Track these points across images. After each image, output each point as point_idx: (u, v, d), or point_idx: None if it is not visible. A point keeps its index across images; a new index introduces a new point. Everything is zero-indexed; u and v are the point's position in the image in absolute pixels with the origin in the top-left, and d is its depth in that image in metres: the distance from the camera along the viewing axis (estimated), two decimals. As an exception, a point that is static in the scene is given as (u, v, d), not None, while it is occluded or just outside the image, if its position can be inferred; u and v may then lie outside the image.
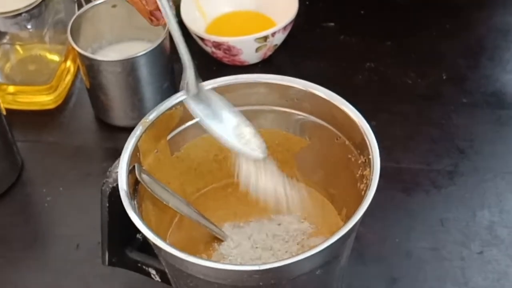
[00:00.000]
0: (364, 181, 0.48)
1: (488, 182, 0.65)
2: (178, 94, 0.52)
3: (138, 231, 0.47)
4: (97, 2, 0.71)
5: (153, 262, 0.54)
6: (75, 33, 0.69)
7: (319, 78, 0.75)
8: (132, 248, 0.55)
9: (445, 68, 0.76)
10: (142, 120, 0.50)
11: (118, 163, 0.50)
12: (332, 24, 0.81)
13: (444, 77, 0.75)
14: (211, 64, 0.77)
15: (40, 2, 0.70)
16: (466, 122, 0.71)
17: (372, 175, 0.46)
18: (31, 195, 0.68)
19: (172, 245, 0.44)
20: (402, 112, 0.72)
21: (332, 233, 0.51)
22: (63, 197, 0.67)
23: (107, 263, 0.55)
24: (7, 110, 0.69)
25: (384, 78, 0.76)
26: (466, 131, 0.70)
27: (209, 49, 0.75)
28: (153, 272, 0.55)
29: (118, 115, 0.72)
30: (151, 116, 0.51)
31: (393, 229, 0.63)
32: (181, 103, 0.52)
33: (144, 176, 0.49)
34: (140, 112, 0.71)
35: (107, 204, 0.52)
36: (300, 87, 0.52)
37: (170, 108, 0.51)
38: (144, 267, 0.55)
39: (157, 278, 0.55)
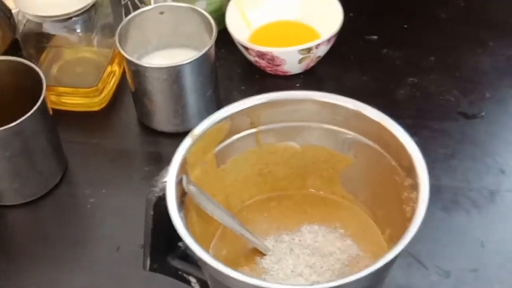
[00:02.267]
0: (410, 204, 0.48)
1: (529, 204, 0.65)
2: (226, 108, 0.53)
3: (181, 239, 0.48)
4: (145, 8, 0.72)
5: (194, 271, 0.55)
6: (123, 38, 0.70)
7: (361, 91, 0.76)
8: (174, 255, 0.56)
9: (489, 86, 0.76)
10: (190, 133, 0.51)
11: (165, 173, 0.51)
12: (375, 37, 0.81)
13: (487, 95, 0.75)
14: (253, 72, 0.78)
15: (90, 7, 0.72)
16: (509, 142, 0.71)
17: (419, 200, 0.46)
18: (75, 195, 0.70)
19: (216, 258, 0.45)
20: (443, 129, 0.72)
21: (375, 253, 0.51)
22: (105, 199, 0.69)
23: (148, 268, 0.56)
24: (54, 111, 0.70)
25: (426, 94, 0.76)
26: (507, 150, 0.70)
27: (252, 58, 0.76)
28: (193, 280, 0.56)
29: (161, 120, 0.73)
30: (200, 129, 0.51)
31: (432, 248, 0.63)
32: (229, 116, 0.52)
33: (191, 187, 0.50)
34: (182, 118, 0.72)
35: (152, 213, 0.52)
36: (349, 106, 0.52)
37: (218, 122, 0.52)
38: (184, 275, 0.56)
39: (197, 287, 0.56)
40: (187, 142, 0.51)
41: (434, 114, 0.74)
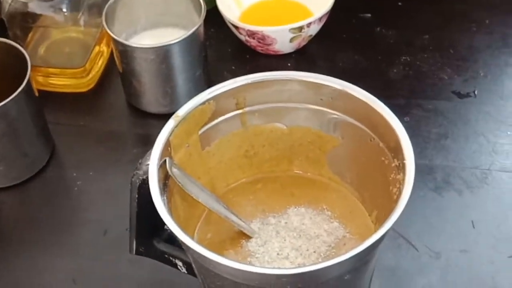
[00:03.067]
0: (397, 185, 0.47)
1: (522, 184, 0.64)
2: (210, 89, 0.52)
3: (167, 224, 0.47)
4: (133, -13, 0.71)
5: (180, 254, 0.54)
6: (110, 17, 0.69)
7: (353, 70, 0.75)
8: (160, 239, 0.55)
9: (483, 65, 0.74)
10: (174, 115, 0.50)
11: (149, 156, 0.50)
12: (369, 15, 0.80)
13: (482, 74, 0.74)
14: (244, 52, 0.77)
15: (77, -14, 0.70)
16: (502, 122, 0.70)
17: (405, 181, 0.45)
18: (62, 178, 0.69)
19: (199, 243, 0.44)
20: (436, 108, 0.71)
21: (362, 235, 0.51)
22: (93, 182, 0.68)
23: (134, 252, 0.55)
24: (41, 91, 0.69)
25: (419, 73, 0.74)
26: (500, 130, 0.69)
27: (243, 37, 0.75)
28: (179, 264, 0.55)
29: (150, 102, 0.72)
30: (183, 111, 0.50)
31: (423, 228, 0.62)
32: (213, 98, 0.51)
33: (174, 170, 0.49)
34: (171, 99, 0.70)
35: (136, 196, 0.52)
36: (336, 86, 0.51)
37: (203, 103, 0.51)
38: (171, 258, 0.55)
39: (184, 270, 0.55)
40: (170, 124, 0.50)
41: (427, 93, 0.73)
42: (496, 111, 0.70)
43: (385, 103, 0.51)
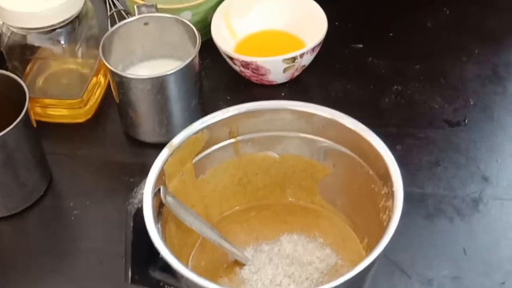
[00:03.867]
0: (387, 212, 0.48)
1: (512, 212, 0.65)
2: (204, 118, 0.53)
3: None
4: (130, 19, 0.73)
5: (174, 282, 0.55)
6: (107, 49, 0.70)
7: (346, 99, 0.76)
8: (155, 267, 0.56)
9: (473, 94, 0.76)
10: (168, 144, 0.51)
11: (144, 184, 0.51)
12: (361, 45, 0.82)
13: (472, 103, 0.75)
14: (239, 82, 0.78)
15: (74, 18, 0.72)
16: (492, 149, 0.71)
17: (394, 208, 0.46)
18: (59, 207, 0.70)
19: (193, 271, 0.45)
20: (428, 137, 0.72)
21: (354, 262, 0.51)
22: (89, 211, 0.69)
23: (129, 281, 0.56)
24: (39, 122, 0.70)
25: (411, 102, 0.76)
26: (491, 158, 0.70)
27: (237, 68, 0.76)
28: (174, 292, 0.56)
29: (146, 131, 0.73)
30: (177, 140, 0.52)
31: (415, 255, 0.63)
32: (207, 127, 0.53)
33: (169, 198, 0.50)
34: (167, 129, 0.72)
35: (132, 224, 0.52)
36: (326, 115, 0.52)
37: (196, 133, 0.52)
38: (166, 286, 0.56)
39: (179, 298, 0.56)
40: (164, 153, 0.51)
41: (419, 122, 0.74)
42: (486, 139, 0.71)
43: (377, 132, 0.52)
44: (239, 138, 0.54)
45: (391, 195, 0.48)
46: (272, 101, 0.53)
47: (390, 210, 0.47)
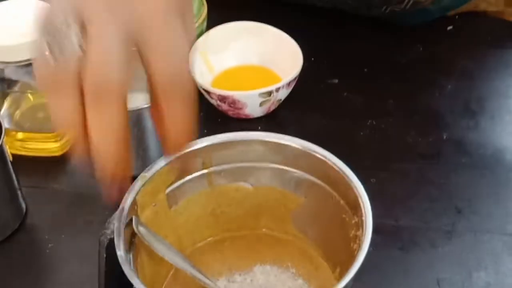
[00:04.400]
0: (357, 242, 0.48)
1: (485, 244, 0.66)
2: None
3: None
4: (106, 54, 0.73)
5: (147, 314, 0.55)
6: (84, 83, 0.71)
7: (321, 134, 0.77)
8: (129, 299, 0.56)
9: (446, 128, 0.77)
10: (141, 175, 0.52)
11: (116, 215, 0.51)
12: (336, 81, 0.83)
13: (445, 137, 0.76)
14: (216, 116, 0.79)
15: (51, 53, 0.72)
16: (465, 182, 0.72)
17: (363, 237, 0.46)
18: (33, 241, 0.69)
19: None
20: (402, 170, 0.73)
21: (325, 292, 0.52)
22: (64, 244, 0.68)
23: (103, 313, 0.56)
24: (15, 156, 0.70)
25: (385, 136, 0.77)
26: (464, 191, 0.71)
27: (214, 102, 0.77)
28: (148, 323, 0.56)
29: (122, 165, 0.73)
30: (150, 171, 0.52)
31: (389, 286, 0.63)
32: (179, 157, 0.53)
33: (141, 228, 0.50)
34: (143, 161, 0.71)
35: (105, 255, 0.52)
36: (296, 146, 0.53)
37: (169, 163, 0.53)
38: (139, 318, 0.56)
39: (152, 331, 0.56)
40: (137, 184, 0.51)
41: (393, 155, 0.75)
42: (459, 173, 0.72)
43: (351, 165, 0.53)
44: (212, 169, 0.54)
45: (361, 224, 0.48)
46: (244, 132, 0.54)
47: (360, 239, 0.47)
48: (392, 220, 0.68)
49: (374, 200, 0.68)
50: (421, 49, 0.86)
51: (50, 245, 0.68)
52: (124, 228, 0.49)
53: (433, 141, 0.76)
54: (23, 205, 0.71)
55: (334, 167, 0.51)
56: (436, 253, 0.65)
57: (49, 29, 0.41)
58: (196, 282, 0.53)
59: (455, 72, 0.83)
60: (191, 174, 0.54)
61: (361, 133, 0.77)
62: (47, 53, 0.41)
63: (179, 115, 0.41)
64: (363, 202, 0.48)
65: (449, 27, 0.88)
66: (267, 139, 0.53)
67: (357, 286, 0.60)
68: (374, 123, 0.78)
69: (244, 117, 0.78)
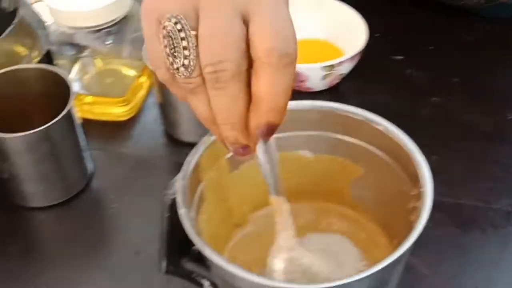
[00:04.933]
0: (416, 213, 0.49)
1: (546, 225, 0.65)
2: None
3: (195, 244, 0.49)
4: (175, 23, 0.75)
5: (207, 274, 0.56)
6: (151, 50, 0.73)
7: (383, 109, 0.76)
8: (189, 258, 0.57)
9: (511, 108, 0.76)
10: (204, 138, 0.53)
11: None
12: (401, 57, 0.82)
13: (509, 117, 0.75)
14: (279, 88, 0.79)
15: (121, 20, 0.74)
16: (529, 163, 0.71)
17: (422, 208, 0.46)
18: (98, 201, 0.72)
19: (221, 256, 0.46)
20: (464, 148, 0.72)
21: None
22: (128, 205, 0.70)
23: (164, 271, 0.58)
24: (83, 119, 0.73)
25: (448, 114, 0.76)
26: (528, 173, 0.70)
27: (277, 74, 0.78)
28: (206, 283, 0.57)
29: (186, 131, 0.75)
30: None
31: (447, 264, 0.63)
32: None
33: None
34: (206, 129, 0.73)
35: (167, 215, 0.54)
36: (358, 116, 0.53)
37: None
38: (198, 278, 0.57)
39: (210, 290, 0.57)
40: (200, 147, 0.52)
41: (455, 133, 0.74)
42: (523, 153, 0.72)
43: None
44: (274, 136, 0.55)
45: (420, 196, 0.48)
46: (306, 101, 0.54)
47: (418, 211, 0.47)
48: (452, 198, 0.68)
49: (435, 177, 0.68)
50: (489, 28, 0.85)
51: (113, 205, 0.71)
52: (187, 188, 0.50)
53: (497, 121, 0.75)
54: (90, 167, 0.73)
55: (395, 138, 0.51)
56: (496, 234, 0.65)
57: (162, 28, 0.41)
58: (260, 247, 0.54)
59: (524, 51, 0.82)
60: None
61: (424, 110, 0.77)
62: (165, 53, 0.41)
63: (283, 83, 0.41)
64: (423, 173, 0.48)
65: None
66: (328, 108, 0.53)
67: (414, 261, 0.61)
68: (438, 100, 0.77)
69: (306, 90, 0.78)
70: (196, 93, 0.42)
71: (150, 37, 0.42)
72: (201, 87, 0.41)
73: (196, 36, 0.40)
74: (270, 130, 0.43)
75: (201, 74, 0.40)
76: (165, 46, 0.41)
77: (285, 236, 0.52)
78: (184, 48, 0.40)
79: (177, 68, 0.41)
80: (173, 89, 0.44)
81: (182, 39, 0.40)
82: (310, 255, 0.52)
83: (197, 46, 0.40)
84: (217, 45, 0.39)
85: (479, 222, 0.66)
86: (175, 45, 0.40)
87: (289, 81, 0.41)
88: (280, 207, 0.51)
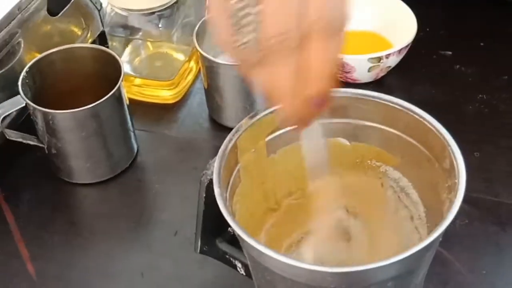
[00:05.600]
0: (448, 204, 0.49)
1: None
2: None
3: (229, 225, 0.50)
4: (224, 9, 0.76)
5: (239, 256, 0.57)
6: (200, 36, 0.74)
7: (429, 104, 0.75)
8: (223, 239, 0.59)
9: (560, 109, 0.75)
10: (244, 120, 0.54)
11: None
12: (450, 53, 0.82)
13: (557, 118, 0.74)
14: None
15: (172, 4, 0.76)
16: None
17: (455, 199, 0.46)
18: (141, 180, 0.74)
19: (252, 236, 0.47)
20: (508, 146, 0.72)
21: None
22: (169, 186, 0.72)
23: (198, 250, 0.59)
24: (131, 100, 0.75)
25: (494, 112, 0.75)
26: None
27: (324, 64, 0.78)
28: (239, 265, 0.58)
29: (230, 116, 0.76)
30: (253, 118, 0.54)
31: (482, 261, 0.63)
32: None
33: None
34: (248, 114, 0.74)
35: (204, 195, 0.55)
36: (395, 105, 0.53)
37: (272, 112, 0.54)
38: (231, 259, 0.58)
39: (242, 272, 0.58)
40: (239, 129, 0.53)
41: (500, 131, 0.73)
42: None
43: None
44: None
45: (453, 187, 0.48)
46: (343, 89, 0.54)
47: (451, 202, 0.47)
48: (491, 195, 0.68)
49: (477, 174, 0.68)
50: (542, 26, 0.84)
51: (156, 185, 0.73)
52: (223, 168, 0.51)
53: (545, 121, 0.74)
54: (135, 146, 0.75)
55: (432, 128, 0.51)
56: (534, 233, 0.64)
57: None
58: (295, 228, 0.55)
59: None
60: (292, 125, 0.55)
61: (470, 107, 0.76)
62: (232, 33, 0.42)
63: (331, 50, 0.42)
64: (458, 165, 0.48)
65: None
66: (366, 97, 0.54)
67: (449, 257, 0.61)
68: (485, 97, 0.77)
69: (351, 81, 0.79)
70: (261, 66, 0.43)
71: (216, 14, 0.43)
72: (266, 60, 0.42)
73: (259, 12, 0.41)
74: (324, 99, 0.43)
75: (265, 48, 0.42)
76: (232, 25, 0.42)
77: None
78: (249, 23, 0.41)
79: (243, 43, 0.42)
80: (240, 65, 0.45)
81: (247, 15, 0.41)
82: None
83: (261, 21, 0.41)
84: (281, 17, 0.41)
85: (519, 221, 0.66)
86: (240, 21, 0.41)
87: (337, 49, 0.42)
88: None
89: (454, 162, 0.48)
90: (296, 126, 0.46)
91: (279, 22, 0.41)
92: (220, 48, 0.45)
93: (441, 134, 0.50)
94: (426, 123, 0.52)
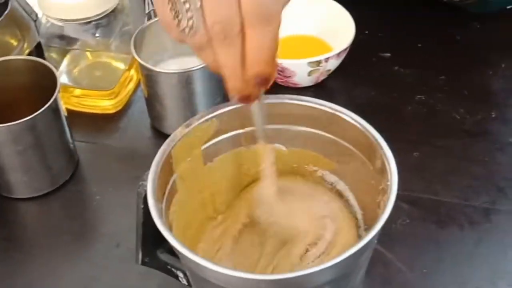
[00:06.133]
0: (382, 206, 0.49)
1: (524, 224, 0.65)
2: (215, 107, 0.55)
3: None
4: (162, 17, 0.75)
5: (180, 265, 0.57)
6: (138, 45, 0.73)
7: (369, 106, 0.78)
8: (164, 250, 0.58)
9: (495, 107, 0.76)
10: (178, 129, 0.54)
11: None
12: (388, 54, 0.83)
13: (493, 115, 0.75)
14: (265, 84, 0.80)
15: (109, 13, 0.75)
16: (510, 162, 0.71)
17: (388, 201, 0.47)
18: (82, 192, 0.73)
19: (188, 247, 0.46)
20: (446, 146, 0.73)
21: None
22: (111, 197, 0.71)
23: (140, 262, 0.58)
24: (70, 111, 0.74)
25: (432, 112, 0.76)
26: (508, 170, 0.70)
27: (264, 69, 0.78)
28: (180, 275, 0.58)
29: (171, 125, 0.75)
30: (188, 126, 0.54)
31: (422, 260, 0.64)
32: (217, 116, 0.55)
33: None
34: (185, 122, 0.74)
35: (142, 206, 0.55)
36: (329, 110, 0.54)
37: (207, 120, 0.54)
38: (173, 269, 0.58)
39: (184, 281, 0.58)
40: (173, 138, 0.53)
41: (439, 131, 0.74)
42: (504, 152, 0.72)
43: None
44: (248, 129, 0.55)
45: (386, 189, 0.49)
46: (278, 95, 0.55)
47: (385, 203, 0.48)
48: (431, 194, 0.69)
49: (415, 174, 0.69)
50: (478, 26, 0.85)
51: (97, 197, 0.72)
52: (158, 179, 0.51)
53: (481, 119, 0.75)
54: (76, 158, 0.74)
55: (364, 131, 0.52)
56: (473, 230, 0.65)
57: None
58: (236, 233, 0.55)
59: (510, 52, 0.82)
60: (227, 133, 0.55)
61: (409, 108, 0.77)
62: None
63: (265, 38, 0.43)
64: (390, 167, 0.49)
65: (509, 6, 0.86)
66: (300, 101, 0.54)
67: (390, 257, 0.61)
68: (423, 98, 0.78)
69: (292, 85, 0.79)
70: (203, 49, 0.45)
71: (158, 2, 0.45)
72: (207, 44, 0.45)
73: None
74: (263, 80, 0.47)
75: (206, 33, 0.44)
76: (170, 10, 0.44)
77: (266, 184, 0.53)
78: (187, 10, 0.44)
79: (183, 30, 0.45)
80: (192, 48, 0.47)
81: (185, 2, 0.43)
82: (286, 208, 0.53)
83: (200, 7, 0.43)
84: (222, 5, 0.43)
85: (456, 219, 0.67)
86: (179, 8, 0.44)
87: (271, 37, 0.45)
88: (267, 153, 0.53)
89: (386, 164, 0.49)
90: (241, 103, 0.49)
91: (218, 11, 0.43)
92: (164, 30, 0.47)
93: (372, 135, 0.51)
94: (358, 125, 0.52)
